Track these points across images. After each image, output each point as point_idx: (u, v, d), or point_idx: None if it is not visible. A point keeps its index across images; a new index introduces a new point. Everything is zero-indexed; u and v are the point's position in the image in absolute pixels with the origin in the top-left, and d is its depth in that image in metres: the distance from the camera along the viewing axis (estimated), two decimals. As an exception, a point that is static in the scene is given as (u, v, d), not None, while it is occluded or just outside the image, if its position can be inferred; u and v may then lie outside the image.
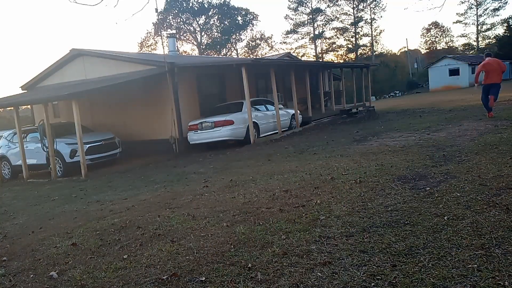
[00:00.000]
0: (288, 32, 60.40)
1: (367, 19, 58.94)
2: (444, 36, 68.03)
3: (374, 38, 59.88)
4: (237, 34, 57.46)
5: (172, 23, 54.61)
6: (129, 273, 3.44)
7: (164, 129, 13.29)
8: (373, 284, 2.69)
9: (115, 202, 6.78)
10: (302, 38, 60.98)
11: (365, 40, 60.56)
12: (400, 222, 3.70)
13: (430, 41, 69.30)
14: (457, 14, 77.60)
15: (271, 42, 64.46)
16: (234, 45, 58.66)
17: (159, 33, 52.20)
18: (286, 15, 78.72)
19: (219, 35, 56.10)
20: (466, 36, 64.65)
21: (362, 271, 2.88)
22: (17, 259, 4.38)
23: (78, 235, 4.92)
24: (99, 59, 14.74)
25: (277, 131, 13.44)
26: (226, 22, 56.13)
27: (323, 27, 60.07)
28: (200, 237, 4.08)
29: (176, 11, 53.35)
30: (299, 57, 49.74)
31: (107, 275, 3.48)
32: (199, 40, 56.47)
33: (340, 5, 58.96)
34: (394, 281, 2.68)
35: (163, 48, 25.13)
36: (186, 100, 13.46)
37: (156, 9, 21.64)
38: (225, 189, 6.23)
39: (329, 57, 61.62)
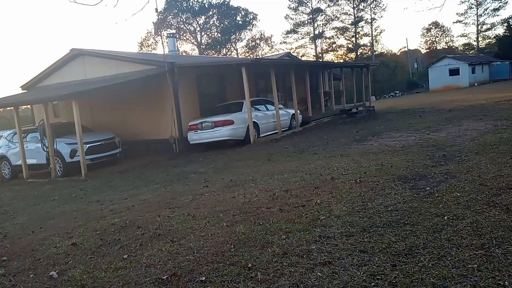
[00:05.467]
0: (288, 32, 60.35)
1: (367, 19, 58.93)
2: (444, 36, 67.97)
3: (374, 38, 59.86)
4: (237, 34, 57.43)
5: (172, 23, 54.57)
6: (129, 273, 3.44)
7: (164, 129, 13.29)
8: (373, 284, 2.69)
9: (115, 202, 6.78)
10: (302, 38, 60.97)
11: (365, 40, 60.57)
12: (400, 222, 3.70)
13: (430, 41, 69.24)
14: (457, 14, 77.50)
15: (271, 42, 64.46)
16: (234, 45, 58.65)
17: (159, 33, 52.26)
18: (286, 15, 78.76)
19: (219, 35, 56.09)
20: (466, 36, 64.55)
21: (362, 271, 2.88)
22: (17, 259, 4.38)
23: (78, 235, 4.92)
24: (99, 59, 14.73)
25: (277, 131, 13.43)
26: (226, 22, 56.11)
27: (323, 27, 60.05)
28: (200, 237, 4.08)
29: (176, 11, 53.31)
30: (299, 57, 49.69)
31: (107, 275, 3.48)
32: (199, 40, 56.46)
33: (340, 5, 58.94)
34: (394, 281, 2.68)
35: (163, 48, 25.13)
36: (186, 100, 13.45)
37: (156, 9, 21.71)
38: (225, 189, 6.23)
39: (329, 57, 61.62)
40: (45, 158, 12.10)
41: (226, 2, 55.12)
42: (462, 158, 6.12)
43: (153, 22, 61.10)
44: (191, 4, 53.58)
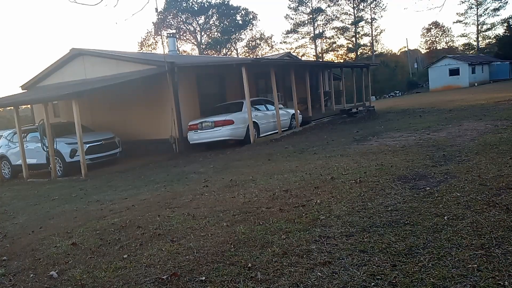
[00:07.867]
0: (288, 32, 60.37)
1: (367, 18, 58.93)
2: (444, 36, 67.92)
3: (374, 37, 59.87)
4: (237, 34, 57.43)
5: (172, 23, 54.55)
6: (129, 273, 3.44)
7: (164, 129, 13.29)
8: (373, 284, 2.69)
9: (115, 201, 6.78)
10: (302, 37, 60.98)
11: (365, 40, 60.57)
12: (400, 222, 3.70)
13: (430, 41, 69.18)
14: (457, 14, 77.55)
15: (271, 42, 64.52)
16: (234, 45, 58.65)
17: (159, 33, 52.22)
18: (286, 14, 78.69)
19: (219, 34, 56.08)
20: (466, 36, 64.53)
21: (362, 271, 2.88)
22: (17, 259, 4.38)
23: (78, 234, 4.92)
24: (99, 59, 14.73)
25: (277, 130, 13.43)
26: (226, 22, 56.12)
27: (324, 26, 60.06)
28: (200, 236, 4.08)
29: (176, 11, 53.31)
30: (299, 57, 49.69)
31: (107, 274, 3.48)
32: (199, 39, 56.45)
33: (340, 5, 59.00)
34: (394, 281, 2.68)
35: (163, 48, 25.12)
36: (186, 100, 13.45)
37: (156, 9, 21.69)
38: (225, 189, 6.23)
39: (329, 56, 61.62)
40: (45, 158, 12.10)
41: (226, 2, 55.11)
42: (462, 158, 6.12)
43: (153, 22, 61.18)
44: (191, 4, 53.57)
